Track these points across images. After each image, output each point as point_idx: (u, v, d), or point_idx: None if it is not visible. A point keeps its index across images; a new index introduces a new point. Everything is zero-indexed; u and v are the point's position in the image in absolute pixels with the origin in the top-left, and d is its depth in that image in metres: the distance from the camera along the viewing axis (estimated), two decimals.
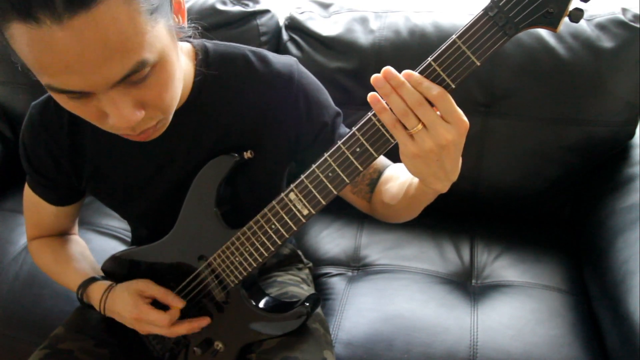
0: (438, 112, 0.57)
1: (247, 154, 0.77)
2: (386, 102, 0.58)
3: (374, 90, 0.60)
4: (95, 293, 0.86)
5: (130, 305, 0.81)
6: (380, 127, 0.61)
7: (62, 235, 0.96)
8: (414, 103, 0.56)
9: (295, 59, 0.81)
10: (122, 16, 0.51)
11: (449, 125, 0.57)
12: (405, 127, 0.58)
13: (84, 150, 0.80)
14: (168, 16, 0.59)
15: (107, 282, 0.87)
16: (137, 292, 0.82)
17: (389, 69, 0.57)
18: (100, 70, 0.53)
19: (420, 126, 0.57)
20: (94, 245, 1.02)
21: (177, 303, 0.82)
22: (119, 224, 1.31)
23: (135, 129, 0.62)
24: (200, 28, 0.72)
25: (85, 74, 0.53)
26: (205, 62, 0.76)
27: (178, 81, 0.63)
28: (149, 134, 0.66)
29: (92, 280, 0.87)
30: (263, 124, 0.78)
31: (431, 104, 0.57)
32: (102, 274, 0.91)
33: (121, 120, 0.58)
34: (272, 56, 0.79)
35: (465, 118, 0.57)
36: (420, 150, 0.58)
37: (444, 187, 0.65)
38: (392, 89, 0.57)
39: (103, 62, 0.53)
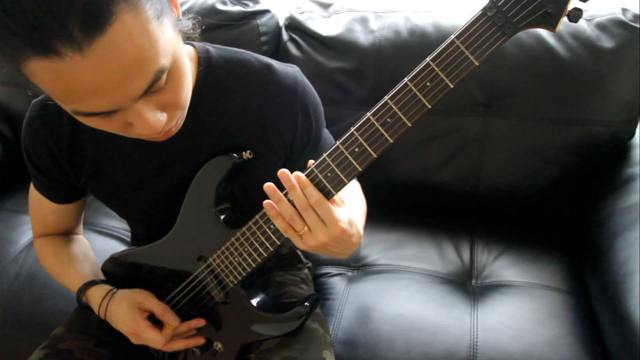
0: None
1: (246, 155, 0.78)
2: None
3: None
4: (95, 297, 0.86)
5: (128, 319, 0.82)
6: (379, 127, 0.61)
7: (66, 234, 0.96)
8: (300, 206, 0.64)
9: (298, 69, 0.81)
10: (136, 30, 0.51)
11: (325, 228, 0.64)
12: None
13: (84, 149, 0.80)
14: (170, 13, 0.58)
15: (107, 287, 0.87)
16: (135, 305, 0.83)
17: (283, 171, 0.65)
18: (125, 88, 0.53)
19: (306, 229, 0.65)
20: (94, 245, 1.02)
21: (172, 322, 0.83)
22: (119, 224, 1.31)
23: (160, 132, 0.63)
24: (200, 19, 0.73)
25: (111, 95, 0.53)
26: (207, 64, 0.76)
27: (189, 76, 0.64)
28: (172, 131, 0.67)
29: (92, 283, 0.87)
30: (263, 128, 0.79)
31: None
32: (103, 275, 0.91)
33: (148, 128, 0.59)
34: (277, 65, 0.79)
35: (341, 224, 0.64)
36: (308, 247, 0.67)
37: (344, 256, 0.77)
38: (281, 198, 0.65)
39: (127, 80, 0.53)
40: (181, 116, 0.66)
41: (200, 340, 0.86)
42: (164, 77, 0.57)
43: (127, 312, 0.82)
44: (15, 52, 0.50)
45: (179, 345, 0.84)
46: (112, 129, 0.61)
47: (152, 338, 0.81)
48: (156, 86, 0.56)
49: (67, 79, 0.50)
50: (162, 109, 0.60)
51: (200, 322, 0.85)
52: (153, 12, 0.53)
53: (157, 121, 0.59)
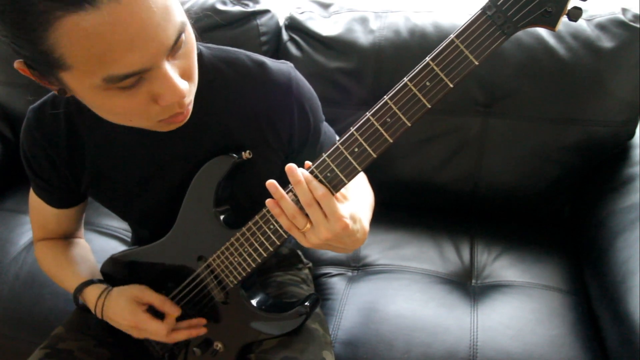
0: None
1: (246, 154, 0.77)
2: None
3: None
4: (91, 296, 0.86)
5: (127, 313, 0.82)
6: (379, 127, 0.61)
7: (66, 237, 0.96)
8: (305, 201, 0.64)
9: (291, 64, 0.81)
10: None
11: (328, 224, 0.64)
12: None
13: (83, 153, 0.80)
14: None
15: (103, 286, 0.86)
16: (133, 299, 0.83)
17: (291, 166, 0.64)
18: (159, 37, 0.54)
19: (308, 225, 0.66)
20: (94, 245, 1.02)
21: (173, 311, 0.83)
22: (119, 224, 1.31)
23: (182, 105, 0.63)
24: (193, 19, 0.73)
25: (147, 44, 0.53)
26: (199, 64, 0.75)
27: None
28: (187, 113, 0.66)
29: (88, 283, 0.87)
30: (260, 127, 0.78)
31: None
32: (101, 276, 0.91)
33: (175, 92, 0.58)
34: (270, 62, 0.79)
35: (344, 219, 0.64)
36: (311, 244, 0.68)
37: (348, 252, 0.77)
38: (283, 195, 0.65)
39: (160, 29, 0.53)
40: (193, 93, 0.66)
41: (203, 330, 0.85)
42: (184, 36, 0.57)
43: (125, 306, 0.82)
44: (43, 18, 0.49)
45: (182, 335, 0.83)
46: (137, 107, 0.60)
47: (155, 328, 0.81)
48: (180, 42, 0.57)
49: (103, 32, 0.50)
50: (182, 77, 0.61)
51: (200, 322, 0.85)
52: None
53: (183, 84, 0.59)
